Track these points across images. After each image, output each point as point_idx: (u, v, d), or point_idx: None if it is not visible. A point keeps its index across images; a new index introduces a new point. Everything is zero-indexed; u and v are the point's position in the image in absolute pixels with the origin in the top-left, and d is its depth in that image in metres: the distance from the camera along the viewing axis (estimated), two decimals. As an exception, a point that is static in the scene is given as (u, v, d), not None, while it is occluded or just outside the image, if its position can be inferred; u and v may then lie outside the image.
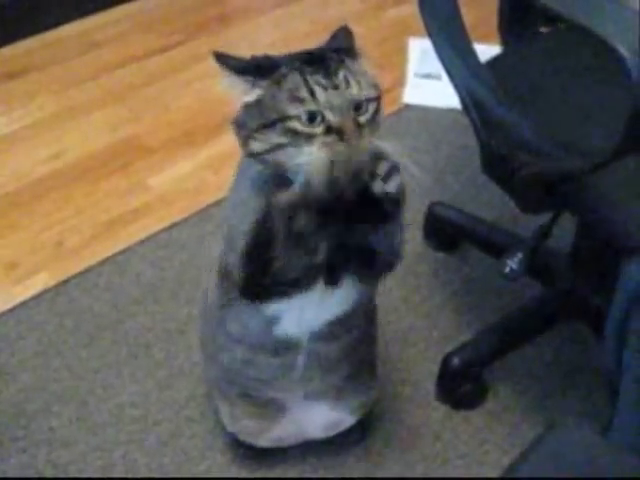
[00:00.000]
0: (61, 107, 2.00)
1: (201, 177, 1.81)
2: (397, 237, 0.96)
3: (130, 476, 1.28)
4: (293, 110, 0.84)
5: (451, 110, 1.87)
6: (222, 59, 0.87)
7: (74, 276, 1.59)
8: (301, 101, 0.84)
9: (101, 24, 2.28)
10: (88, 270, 1.60)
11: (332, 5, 2.38)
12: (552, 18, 1.27)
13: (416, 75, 2.08)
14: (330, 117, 0.84)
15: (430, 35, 1.10)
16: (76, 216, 1.72)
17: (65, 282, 1.58)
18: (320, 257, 0.91)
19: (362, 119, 0.86)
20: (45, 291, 1.56)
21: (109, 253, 1.63)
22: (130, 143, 1.90)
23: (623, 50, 0.82)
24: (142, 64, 2.14)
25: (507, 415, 1.36)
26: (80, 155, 1.86)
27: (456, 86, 1.15)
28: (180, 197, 1.76)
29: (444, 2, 1.04)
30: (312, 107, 0.84)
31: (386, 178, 0.87)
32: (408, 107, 2.00)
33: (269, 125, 0.85)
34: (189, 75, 2.09)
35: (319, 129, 0.84)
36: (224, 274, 1.03)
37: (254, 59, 0.89)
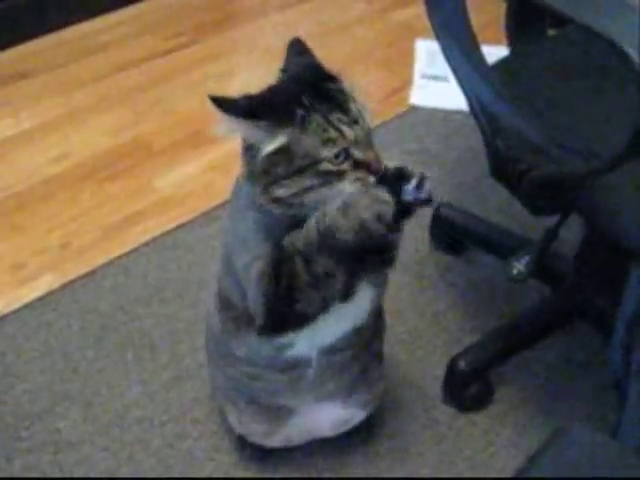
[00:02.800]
0: (67, 109, 2.00)
1: (207, 179, 1.81)
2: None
3: (135, 477, 1.28)
4: (325, 152, 0.84)
5: (458, 112, 1.87)
6: (225, 105, 0.86)
7: (80, 277, 1.59)
8: (333, 142, 0.84)
9: (107, 26, 2.28)
10: (94, 271, 1.60)
11: (338, 7, 2.37)
12: (560, 20, 1.27)
13: (423, 76, 2.08)
14: (356, 153, 0.85)
15: (437, 36, 1.10)
16: (82, 217, 1.72)
17: (71, 283, 1.58)
18: (339, 285, 0.91)
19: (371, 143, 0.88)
20: (51, 292, 1.56)
21: (115, 254, 1.63)
22: (136, 145, 1.90)
23: (630, 52, 0.82)
24: (148, 66, 2.14)
25: (513, 418, 1.36)
26: (86, 157, 1.87)
27: (463, 88, 1.14)
28: (186, 199, 1.76)
29: (451, 3, 1.04)
30: (342, 145, 0.84)
31: (419, 186, 0.88)
32: (415, 109, 2.00)
33: (298, 172, 0.85)
34: (195, 77, 2.09)
35: (346, 165, 0.85)
36: (223, 300, 1.04)
37: (258, 99, 0.88)
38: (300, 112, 0.84)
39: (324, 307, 0.93)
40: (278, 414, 1.18)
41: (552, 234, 1.35)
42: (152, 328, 1.49)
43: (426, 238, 1.65)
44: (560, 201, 1.12)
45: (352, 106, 0.86)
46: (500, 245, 1.55)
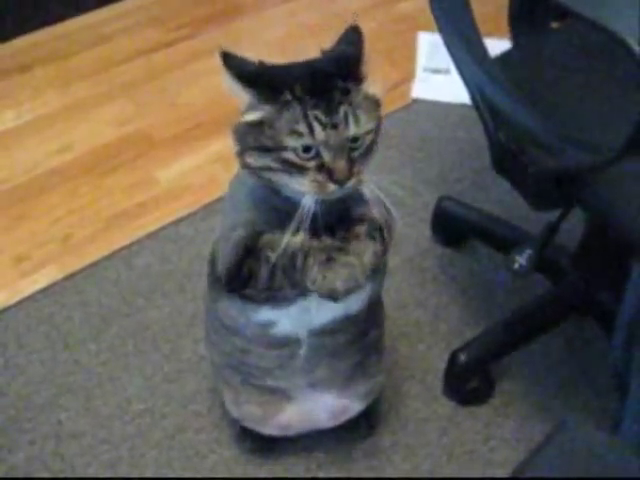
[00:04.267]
0: (69, 101, 2.00)
1: (209, 171, 1.81)
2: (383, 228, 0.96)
3: (136, 469, 1.29)
4: (290, 142, 0.85)
5: (460, 105, 1.87)
6: (230, 62, 0.86)
7: (82, 269, 1.59)
8: (299, 135, 0.84)
9: (108, 18, 2.28)
10: (96, 263, 1.60)
11: (340, -1, 2.37)
12: (563, 13, 1.26)
13: (425, 69, 2.08)
14: (325, 156, 0.85)
15: (440, 29, 1.09)
16: (84, 210, 1.72)
17: (73, 275, 1.58)
18: (290, 295, 0.95)
19: (355, 154, 0.87)
20: (53, 284, 1.56)
21: (117, 247, 1.64)
22: (138, 137, 1.90)
23: (632, 44, 0.81)
24: (149, 58, 2.14)
25: (514, 411, 1.36)
26: (87, 149, 1.87)
27: (465, 81, 1.14)
28: (188, 191, 1.76)
29: (454, -4, 1.04)
30: (309, 142, 0.84)
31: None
32: (417, 101, 1.99)
33: (264, 150, 0.86)
34: (197, 69, 2.08)
35: (312, 164, 0.85)
36: (211, 263, 1.06)
37: (261, 69, 0.88)
38: (287, 97, 0.85)
39: (272, 302, 0.97)
40: (273, 397, 1.17)
41: (553, 228, 1.35)
42: (153, 321, 1.50)
43: (427, 231, 1.65)
44: (562, 195, 1.11)
45: (342, 110, 0.84)
46: (502, 239, 1.54)
